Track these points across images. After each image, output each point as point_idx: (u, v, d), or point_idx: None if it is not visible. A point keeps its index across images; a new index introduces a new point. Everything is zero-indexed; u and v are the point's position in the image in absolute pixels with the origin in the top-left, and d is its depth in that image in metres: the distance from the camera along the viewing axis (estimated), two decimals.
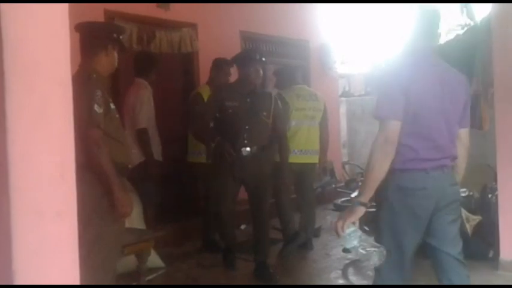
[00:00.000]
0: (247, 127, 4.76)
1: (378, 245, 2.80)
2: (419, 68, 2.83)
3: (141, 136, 5.18)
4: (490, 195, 5.32)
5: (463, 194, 5.78)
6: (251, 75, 4.84)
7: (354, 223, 2.82)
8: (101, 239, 2.91)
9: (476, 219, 5.22)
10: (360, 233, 2.83)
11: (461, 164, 3.04)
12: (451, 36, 6.07)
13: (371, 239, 2.84)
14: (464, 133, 3.04)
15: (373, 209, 2.98)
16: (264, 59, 5.00)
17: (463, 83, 3.00)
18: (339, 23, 9.13)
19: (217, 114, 4.82)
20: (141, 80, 5.41)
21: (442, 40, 6.20)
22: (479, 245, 5.07)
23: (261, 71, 4.92)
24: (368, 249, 2.83)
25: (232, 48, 7.39)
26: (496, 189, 5.08)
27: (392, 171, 2.74)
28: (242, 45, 7.62)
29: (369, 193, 2.74)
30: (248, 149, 4.73)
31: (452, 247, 2.97)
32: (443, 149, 2.84)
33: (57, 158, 1.44)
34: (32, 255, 1.42)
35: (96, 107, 2.95)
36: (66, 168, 1.46)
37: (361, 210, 2.74)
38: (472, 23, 6.18)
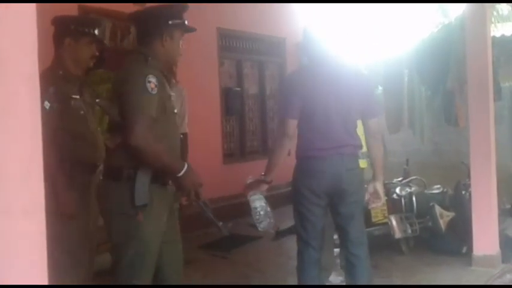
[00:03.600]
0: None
1: (271, 210, 3.51)
2: (312, 75, 3.35)
3: None
4: (463, 192, 5.38)
5: (436, 191, 5.88)
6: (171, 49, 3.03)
7: (260, 193, 3.51)
8: (64, 237, 2.83)
9: (449, 215, 5.29)
10: (263, 201, 3.49)
11: (373, 152, 3.50)
12: (426, 34, 6.13)
13: (269, 207, 3.50)
14: (371, 123, 3.45)
15: None
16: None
17: (361, 80, 3.48)
18: (317, 21, 9.14)
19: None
20: None
21: (418, 38, 6.28)
22: (452, 241, 5.14)
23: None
24: (261, 212, 3.48)
25: (209, 45, 7.38)
26: (469, 186, 5.14)
27: (299, 159, 3.39)
28: (218, 42, 7.59)
29: (271, 173, 3.42)
30: None
31: (354, 227, 3.44)
32: (338, 140, 3.33)
33: (24, 155, 1.40)
34: None
35: (45, 104, 2.81)
36: (34, 166, 1.42)
37: (264, 186, 3.47)
38: (446, 22, 6.25)
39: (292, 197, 3.50)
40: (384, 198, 3.72)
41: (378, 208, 5.33)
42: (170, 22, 2.81)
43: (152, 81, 2.60)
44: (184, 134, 4.63)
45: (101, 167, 3.02)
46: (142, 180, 2.64)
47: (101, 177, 2.81)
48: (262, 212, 3.42)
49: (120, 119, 2.62)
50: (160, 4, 2.98)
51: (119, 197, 2.66)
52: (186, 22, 2.94)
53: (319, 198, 3.37)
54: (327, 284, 4.37)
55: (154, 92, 2.60)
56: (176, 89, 4.59)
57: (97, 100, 2.78)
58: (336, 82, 3.33)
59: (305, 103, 3.29)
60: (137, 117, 2.55)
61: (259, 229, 3.43)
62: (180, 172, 2.68)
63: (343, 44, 3.67)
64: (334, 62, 3.43)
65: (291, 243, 5.98)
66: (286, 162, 3.44)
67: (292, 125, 3.31)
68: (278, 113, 3.42)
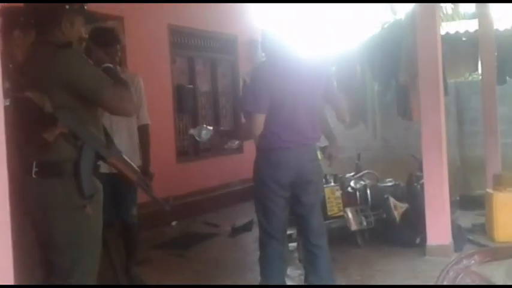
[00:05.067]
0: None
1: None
2: (278, 70, 3.40)
3: None
4: (415, 184, 5.50)
5: (389, 184, 6.00)
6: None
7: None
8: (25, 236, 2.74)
9: (403, 206, 5.40)
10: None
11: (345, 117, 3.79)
12: (376, 31, 6.24)
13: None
14: (337, 101, 3.73)
15: None
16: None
17: (320, 70, 3.62)
18: (268, 18, 9.17)
19: None
20: None
21: (368, 35, 6.39)
22: (406, 232, 5.24)
23: None
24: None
25: (160, 42, 7.29)
26: (421, 178, 5.26)
27: (263, 151, 3.44)
28: (170, 38, 7.50)
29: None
30: None
31: (315, 216, 3.55)
32: (303, 132, 3.43)
33: None
34: None
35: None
36: None
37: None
38: (395, 19, 6.39)
39: (255, 190, 3.51)
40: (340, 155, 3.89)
41: (333, 202, 5.43)
42: (67, 7, 2.68)
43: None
44: (146, 125, 4.44)
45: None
46: (87, 171, 2.57)
47: (34, 175, 2.57)
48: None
49: (52, 110, 2.49)
50: None
51: (64, 192, 2.54)
52: (85, 7, 2.82)
53: (283, 190, 3.41)
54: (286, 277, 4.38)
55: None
56: (125, 77, 4.40)
57: (26, 93, 2.63)
58: (300, 75, 3.39)
59: (273, 97, 3.32)
60: (111, 89, 2.54)
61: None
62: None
63: (298, 40, 3.73)
64: (295, 56, 3.50)
65: (247, 239, 6.00)
66: (239, 160, 3.49)
67: (261, 120, 3.32)
68: (243, 107, 3.47)
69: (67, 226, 2.56)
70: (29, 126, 2.61)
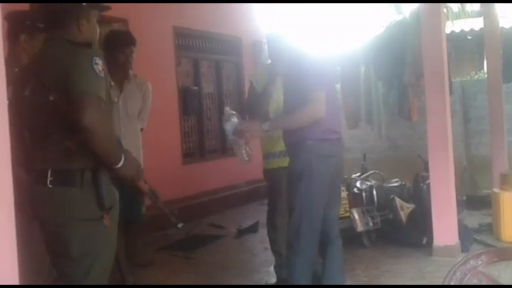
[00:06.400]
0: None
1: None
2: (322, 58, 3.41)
3: None
4: (421, 184, 5.48)
5: (395, 184, 5.98)
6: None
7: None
8: (28, 238, 2.73)
9: (410, 207, 5.38)
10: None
11: None
12: (381, 30, 6.22)
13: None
14: None
15: None
16: None
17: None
18: (272, 20, 9.17)
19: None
20: None
21: (373, 35, 6.37)
22: (413, 232, 5.22)
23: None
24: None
25: (164, 44, 7.30)
26: (427, 178, 5.23)
27: (312, 141, 3.15)
28: (175, 40, 7.51)
29: (274, 129, 3.37)
30: None
31: (336, 207, 3.52)
32: (340, 124, 3.39)
33: None
34: None
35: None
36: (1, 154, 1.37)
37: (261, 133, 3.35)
38: (400, 18, 6.37)
39: (304, 187, 3.20)
40: None
41: None
42: (84, 4, 2.60)
43: (99, 63, 2.40)
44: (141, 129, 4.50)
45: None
46: (106, 181, 2.51)
47: (49, 185, 2.46)
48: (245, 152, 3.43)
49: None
50: None
51: (82, 202, 2.47)
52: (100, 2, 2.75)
53: (327, 182, 3.24)
54: None
55: (102, 75, 2.42)
56: (135, 82, 4.44)
57: (50, 98, 2.43)
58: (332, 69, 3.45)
59: (329, 81, 3.25)
60: (88, 97, 2.33)
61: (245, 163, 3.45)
62: (118, 163, 2.49)
63: (306, 41, 3.71)
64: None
65: (253, 241, 5.99)
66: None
67: (323, 98, 3.03)
68: (305, 86, 3.10)
69: (83, 237, 2.49)
70: (43, 132, 2.51)
